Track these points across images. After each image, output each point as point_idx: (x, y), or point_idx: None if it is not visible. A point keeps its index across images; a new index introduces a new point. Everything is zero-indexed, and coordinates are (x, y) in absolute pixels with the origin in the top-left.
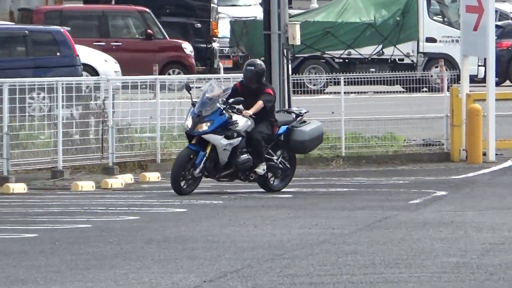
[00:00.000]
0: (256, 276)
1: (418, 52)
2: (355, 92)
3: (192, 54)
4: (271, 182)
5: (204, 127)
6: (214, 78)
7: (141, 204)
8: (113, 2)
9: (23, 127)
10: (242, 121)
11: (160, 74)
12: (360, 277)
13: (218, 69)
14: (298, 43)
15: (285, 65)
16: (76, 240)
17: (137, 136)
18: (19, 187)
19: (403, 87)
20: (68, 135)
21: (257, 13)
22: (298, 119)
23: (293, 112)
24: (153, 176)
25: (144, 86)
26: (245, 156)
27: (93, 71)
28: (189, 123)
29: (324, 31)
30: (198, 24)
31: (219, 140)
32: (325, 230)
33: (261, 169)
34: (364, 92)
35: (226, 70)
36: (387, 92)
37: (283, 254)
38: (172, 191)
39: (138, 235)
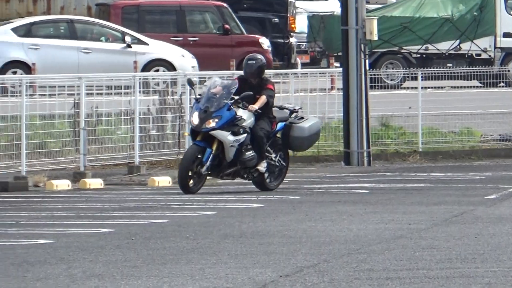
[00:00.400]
0: (333, 271)
1: (495, 47)
2: (432, 87)
3: (270, 49)
4: (267, 181)
5: (212, 123)
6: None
7: (218, 199)
8: None
9: (100, 122)
10: (247, 117)
11: (237, 69)
12: (437, 272)
13: (296, 64)
14: (376, 38)
15: (363, 60)
16: (152, 235)
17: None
18: (96, 183)
19: (480, 82)
20: (145, 131)
21: (335, 8)
22: (293, 115)
23: (287, 109)
24: None
25: None
26: (250, 153)
27: (170, 66)
28: (195, 119)
29: (401, 26)
30: (276, 19)
31: (227, 137)
32: (401, 225)
33: (262, 166)
34: (441, 87)
35: (304, 65)
36: (464, 87)
37: (360, 249)
38: (249, 186)
39: (214, 230)
